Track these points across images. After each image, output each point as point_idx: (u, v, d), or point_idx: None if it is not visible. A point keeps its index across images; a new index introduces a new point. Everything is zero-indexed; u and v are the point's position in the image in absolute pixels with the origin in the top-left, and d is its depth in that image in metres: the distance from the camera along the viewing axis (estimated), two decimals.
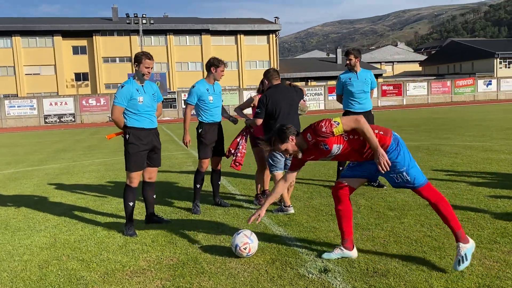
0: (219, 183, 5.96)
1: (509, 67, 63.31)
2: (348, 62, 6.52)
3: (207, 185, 6.80)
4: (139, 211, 5.80)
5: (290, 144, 3.64)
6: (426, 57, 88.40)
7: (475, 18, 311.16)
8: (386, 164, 3.45)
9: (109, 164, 10.81)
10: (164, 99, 43.36)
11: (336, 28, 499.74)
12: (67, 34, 52.01)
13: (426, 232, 4.35)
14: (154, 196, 5.31)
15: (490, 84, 54.48)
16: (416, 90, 51.89)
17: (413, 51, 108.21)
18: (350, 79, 6.58)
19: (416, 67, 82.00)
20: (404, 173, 3.53)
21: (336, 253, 3.75)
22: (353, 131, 3.55)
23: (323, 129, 3.48)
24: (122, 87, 4.76)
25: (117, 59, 53.71)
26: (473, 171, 7.38)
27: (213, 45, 55.31)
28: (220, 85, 5.88)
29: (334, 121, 3.49)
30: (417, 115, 26.48)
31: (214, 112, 5.62)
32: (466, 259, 3.37)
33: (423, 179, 3.60)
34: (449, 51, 72.40)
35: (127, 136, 4.80)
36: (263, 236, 4.46)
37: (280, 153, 5.38)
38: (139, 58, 4.78)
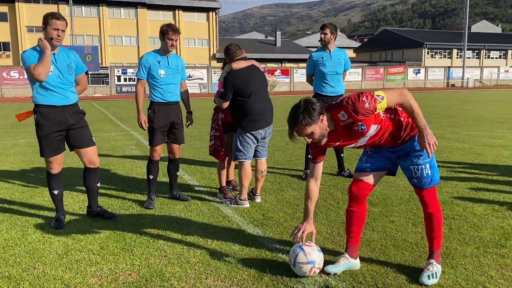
0: (177, 174, 5.12)
1: (435, 57, 66.75)
2: (322, 36, 5.86)
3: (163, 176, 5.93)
4: (80, 206, 4.83)
5: (319, 126, 2.76)
6: (360, 44, 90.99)
7: (403, 9, 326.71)
8: (434, 145, 2.80)
9: (37, 145, 9.41)
10: (96, 74, 41.05)
11: (274, 11, 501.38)
12: None
13: (422, 233, 3.87)
14: (99, 185, 4.49)
15: (419, 72, 57.18)
16: (351, 76, 53.14)
17: (347, 37, 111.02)
18: (322, 58, 5.95)
19: (350, 54, 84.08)
20: (427, 165, 2.97)
21: (342, 264, 3.12)
22: (391, 108, 2.89)
23: (366, 105, 2.70)
24: (23, 52, 3.97)
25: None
26: (438, 160, 7.13)
27: (150, 20, 52.63)
28: (182, 59, 4.99)
29: (377, 95, 2.73)
30: None
31: (166, 89, 4.70)
32: (436, 277, 2.96)
33: (438, 177, 3.07)
34: (382, 39, 74.90)
35: (35, 116, 4.05)
36: (239, 240, 3.75)
37: (253, 139, 4.69)
38: (45, 19, 3.94)
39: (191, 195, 5.19)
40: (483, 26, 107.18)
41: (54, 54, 4.02)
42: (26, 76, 30.42)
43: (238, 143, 4.70)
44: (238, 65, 4.68)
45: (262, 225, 4.13)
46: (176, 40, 4.69)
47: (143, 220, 4.34)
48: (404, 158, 3.04)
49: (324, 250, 3.46)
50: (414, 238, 3.78)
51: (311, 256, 3.00)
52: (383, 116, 2.88)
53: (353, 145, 3.00)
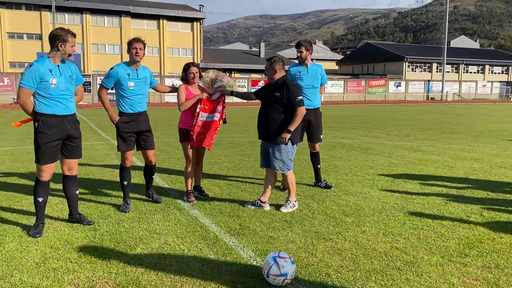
0: (153, 177, 5.44)
1: (415, 71, 68.14)
2: (298, 54, 6.08)
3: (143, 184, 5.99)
4: (59, 214, 4.87)
5: None
6: (342, 56, 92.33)
7: (385, 23, 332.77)
8: None
9: (17, 153, 9.38)
10: None
11: (258, 22, 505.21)
12: None
13: (391, 243, 4.04)
14: (77, 192, 4.60)
15: (400, 85, 58.32)
16: (333, 88, 53.94)
17: (330, 50, 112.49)
18: (299, 73, 6.13)
19: (333, 66, 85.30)
20: None
21: None
22: None
23: None
24: (30, 66, 4.08)
25: (25, 36, 48.86)
26: (412, 173, 7.37)
27: (134, 28, 52.56)
28: (149, 70, 5.25)
29: None
30: (336, 112, 27.18)
31: (135, 100, 5.01)
32: None
33: None
34: (364, 52, 76.16)
35: (36, 124, 4.17)
36: (215, 249, 3.85)
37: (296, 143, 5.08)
38: (64, 36, 4.14)
39: (169, 205, 5.27)
40: (462, 42, 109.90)
41: (58, 66, 4.17)
42: (6, 83, 30.19)
43: (290, 154, 5.05)
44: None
45: (238, 235, 4.23)
46: (140, 49, 4.91)
47: (121, 229, 4.40)
48: None
49: (297, 259, 3.60)
50: (384, 247, 3.93)
51: (284, 269, 3.11)
52: None
53: None
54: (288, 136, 4.90)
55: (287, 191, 5.41)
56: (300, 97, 4.94)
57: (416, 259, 3.66)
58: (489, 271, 3.43)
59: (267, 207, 5.11)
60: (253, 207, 5.11)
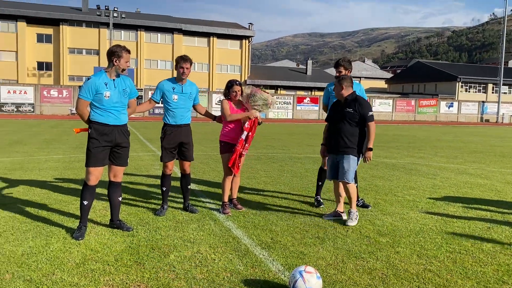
0: (189, 187, 5.69)
1: (469, 92, 65.65)
2: (337, 74, 6.11)
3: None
4: (101, 219, 5.12)
5: None
6: (392, 75, 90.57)
7: (438, 41, 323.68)
8: None
9: (69, 161, 9.94)
10: None
11: (307, 40, 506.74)
12: (32, 21, 49.72)
13: (425, 265, 3.94)
14: (120, 199, 4.88)
15: (452, 106, 56.30)
16: (382, 106, 52.93)
17: (379, 68, 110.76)
18: None
19: (382, 84, 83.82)
20: None
21: None
22: None
23: None
24: (88, 79, 4.48)
25: (84, 51, 51.76)
26: (456, 196, 7.12)
27: (185, 45, 54.34)
28: (196, 87, 5.59)
29: None
30: (383, 131, 26.62)
31: (177, 113, 5.35)
32: None
33: None
34: (414, 71, 74.35)
35: (90, 130, 4.56)
36: (245, 261, 3.92)
37: None
38: (119, 53, 4.51)
39: (205, 215, 5.41)
40: None
41: (113, 80, 4.54)
42: (64, 95, 32.04)
43: (356, 165, 5.33)
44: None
45: (269, 248, 4.28)
46: (187, 68, 5.28)
47: (158, 237, 4.57)
48: None
49: (325, 276, 3.60)
50: (416, 269, 3.85)
51: (309, 283, 3.14)
52: None
53: None
54: (371, 154, 5.34)
55: (348, 203, 5.53)
56: (371, 112, 5.28)
57: (450, 283, 3.56)
58: None
59: (344, 217, 5.39)
60: (333, 218, 5.38)
